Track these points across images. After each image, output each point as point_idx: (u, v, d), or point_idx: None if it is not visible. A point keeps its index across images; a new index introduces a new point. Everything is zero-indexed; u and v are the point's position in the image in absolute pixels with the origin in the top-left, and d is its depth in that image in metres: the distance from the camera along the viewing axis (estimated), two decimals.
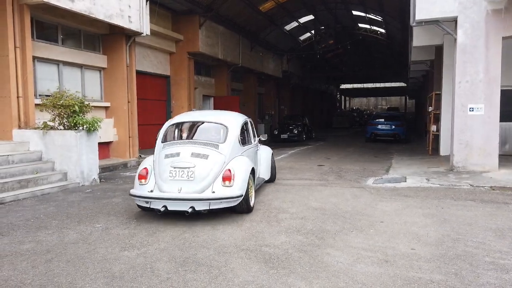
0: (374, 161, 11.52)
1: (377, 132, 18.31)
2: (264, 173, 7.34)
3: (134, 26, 10.75)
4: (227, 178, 5.09)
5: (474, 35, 8.52)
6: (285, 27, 23.55)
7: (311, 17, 23.44)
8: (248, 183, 5.43)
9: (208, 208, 4.98)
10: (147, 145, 12.50)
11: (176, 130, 6.11)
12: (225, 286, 3.28)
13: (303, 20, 23.69)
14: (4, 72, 8.10)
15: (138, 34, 11.19)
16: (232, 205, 5.10)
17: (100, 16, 9.55)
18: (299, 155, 13.64)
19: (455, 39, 8.75)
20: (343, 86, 50.23)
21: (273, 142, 18.76)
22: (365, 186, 7.58)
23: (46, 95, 8.73)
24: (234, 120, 6.16)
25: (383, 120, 18.80)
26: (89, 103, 8.52)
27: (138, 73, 12.27)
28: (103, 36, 11.24)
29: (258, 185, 6.58)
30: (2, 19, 7.99)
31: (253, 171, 5.92)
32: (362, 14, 23.35)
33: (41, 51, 9.29)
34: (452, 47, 9.49)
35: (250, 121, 7.00)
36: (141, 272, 3.54)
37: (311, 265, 3.68)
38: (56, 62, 9.92)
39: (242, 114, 6.96)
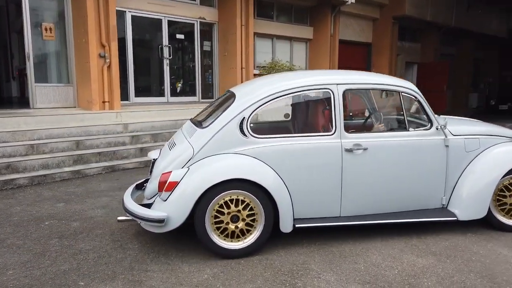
0: None
1: None
2: (463, 202, 3.62)
3: None
4: (160, 184, 3.20)
5: None
6: None
7: None
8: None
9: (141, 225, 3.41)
10: None
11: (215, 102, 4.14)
12: None
13: None
14: (232, 47, 9.79)
15: (343, 3, 11.49)
16: (154, 231, 3.25)
17: None
18: None
19: None
20: None
21: (488, 113, 16.36)
22: None
23: (263, 66, 10.12)
24: (267, 86, 3.44)
25: None
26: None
27: (340, 42, 12.64)
28: (311, 9, 12.02)
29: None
30: (232, 2, 9.58)
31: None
32: None
33: (259, 27, 10.70)
34: None
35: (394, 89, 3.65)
36: None
37: None
38: (270, 37, 11.26)
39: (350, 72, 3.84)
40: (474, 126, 3.94)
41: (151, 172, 3.71)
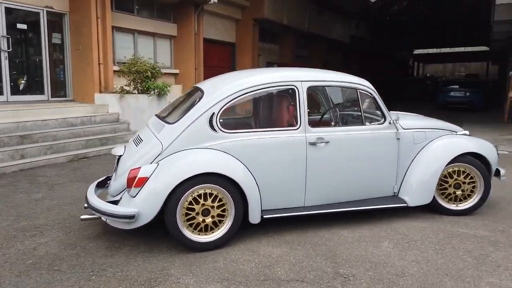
0: None
1: (449, 100, 17.38)
2: (411, 189, 3.94)
3: None
4: (129, 180, 3.17)
5: None
6: None
7: None
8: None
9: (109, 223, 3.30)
10: None
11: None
12: None
13: None
14: (87, 41, 8.97)
15: (206, 2, 11.58)
16: (123, 227, 3.20)
17: None
18: None
19: None
20: (416, 52, 46.97)
21: None
22: None
23: (123, 62, 9.54)
24: (235, 82, 3.56)
25: (457, 86, 17.73)
26: (159, 69, 9.17)
27: (205, 41, 12.75)
28: (174, 5, 11.79)
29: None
30: None
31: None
32: None
33: (119, 21, 10.05)
34: None
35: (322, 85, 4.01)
36: None
37: None
38: (132, 32, 10.68)
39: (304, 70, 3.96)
40: (421, 120, 4.33)
41: (115, 169, 3.67)
